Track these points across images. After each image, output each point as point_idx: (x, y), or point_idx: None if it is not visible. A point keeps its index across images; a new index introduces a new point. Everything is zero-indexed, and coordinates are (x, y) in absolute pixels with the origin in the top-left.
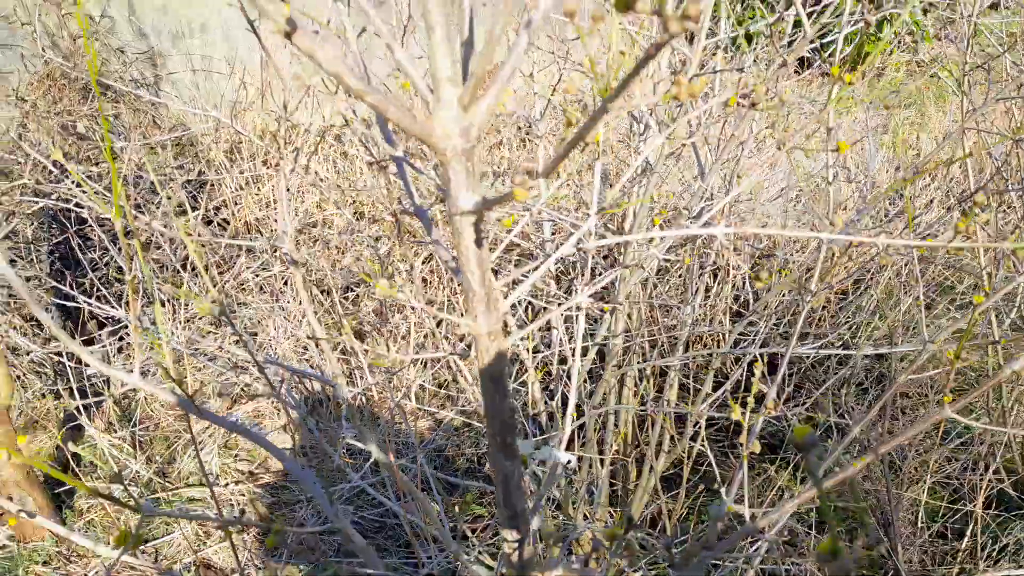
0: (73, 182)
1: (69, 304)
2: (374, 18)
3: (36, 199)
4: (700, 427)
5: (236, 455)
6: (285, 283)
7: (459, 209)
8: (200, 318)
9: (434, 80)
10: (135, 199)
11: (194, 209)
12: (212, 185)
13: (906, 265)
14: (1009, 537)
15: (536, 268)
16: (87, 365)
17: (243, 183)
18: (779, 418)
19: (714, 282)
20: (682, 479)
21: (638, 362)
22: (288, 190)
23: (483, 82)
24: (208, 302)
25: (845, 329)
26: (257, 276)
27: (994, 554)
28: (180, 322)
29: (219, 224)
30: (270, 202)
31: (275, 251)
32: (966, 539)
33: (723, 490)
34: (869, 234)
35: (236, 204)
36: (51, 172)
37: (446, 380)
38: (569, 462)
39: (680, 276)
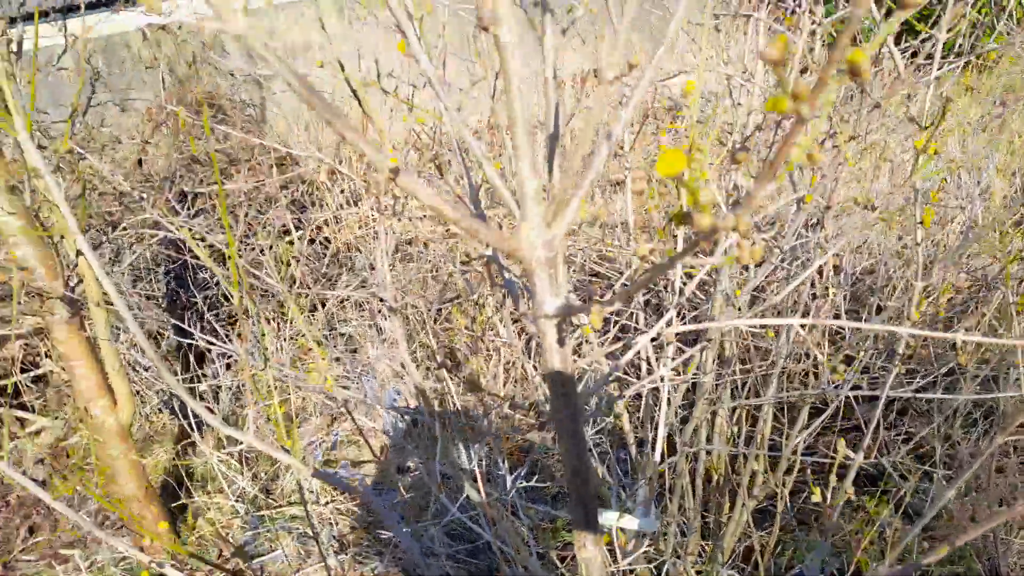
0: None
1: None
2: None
3: (157, 230)
4: (795, 461)
5: (336, 472)
6: (382, 300)
7: (543, 312)
8: (302, 335)
9: (520, 197)
10: (245, 223)
11: (297, 228)
12: (315, 205)
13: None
14: None
15: (627, 349)
16: (200, 381)
17: (343, 202)
18: (880, 448)
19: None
20: (776, 513)
21: (730, 399)
22: (387, 240)
23: (565, 203)
24: (310, 325)
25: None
26: (357, 292)
27: None
28: (284, 339)
29: (321, 243)
30: (369, 220)
31: (373, 268)
32: None
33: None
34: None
35: (337, 222)
36: (169, 201)
37: (535, 401)
38: (649, 531)
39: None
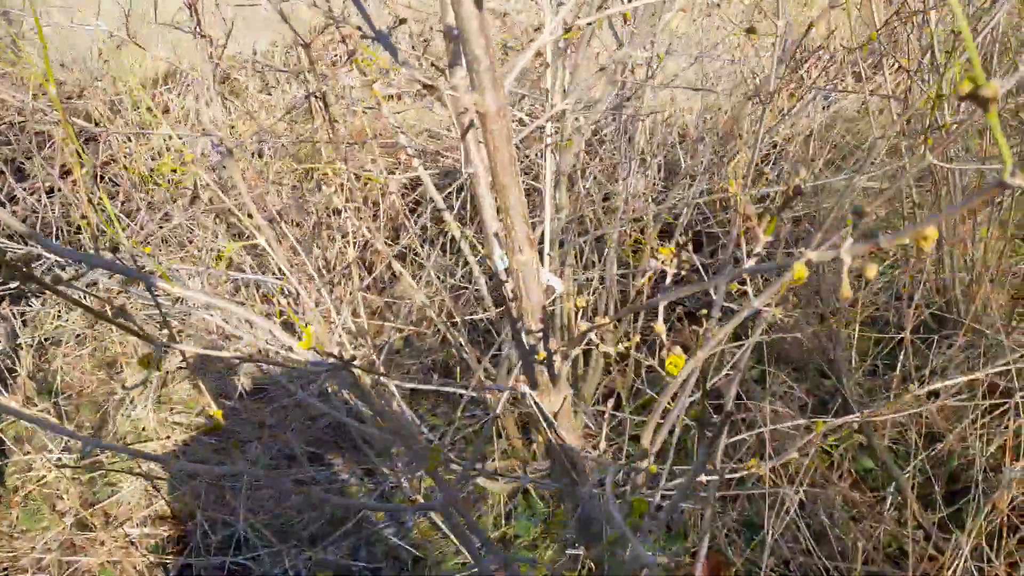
0: None
1: None
2: None
3: None
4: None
5: (172, 408)
6: (191, 232)
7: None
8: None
9: None
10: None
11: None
12: (97, 140)
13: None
14: (935, 359)
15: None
16: None
17: (129, 136)
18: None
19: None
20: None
21: (575, 236)
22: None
23: None
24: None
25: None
26: (161, 228)
27: (925, 375)
28: None
29: (111, 181)
30: (163, 152)
31: (175, 200)
32: (899, 366)
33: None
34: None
35: (127, 157)
36: None
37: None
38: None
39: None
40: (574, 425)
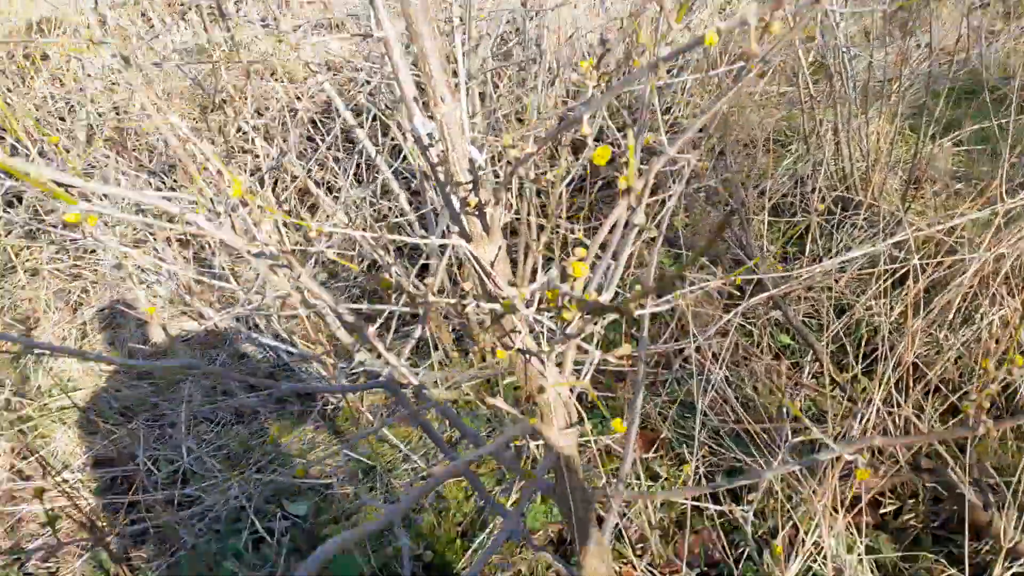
0: None
1: None
2: None
3: None
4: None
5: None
6: (90, 177)
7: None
8: None
9: None
10: None
11: None
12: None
13: None
14: (841, 236)
15: None
16: None
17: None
18: None
19: None
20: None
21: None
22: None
23: None
24: None
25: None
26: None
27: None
28: None
29: None
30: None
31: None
32: (808, 243)
33: None
34: None
35: (9, 106)
36: None
37: None
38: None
39: None
40: (507, 272)
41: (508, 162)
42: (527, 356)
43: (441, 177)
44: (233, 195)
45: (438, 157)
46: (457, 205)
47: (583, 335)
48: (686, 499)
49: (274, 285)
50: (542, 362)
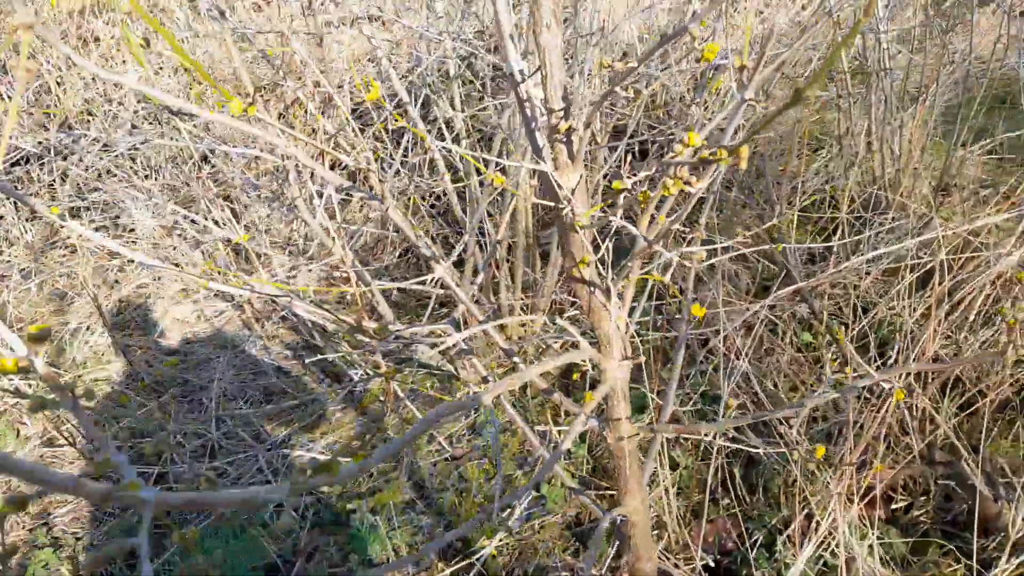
0: None
1: None
2: None
3: None
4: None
5: (129, 333)
6: (133, 160)
7: None
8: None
9: None
10: None
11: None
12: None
13: None
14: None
15: None
16: None
17: (62, 65)
18: None
19: None
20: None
21: None
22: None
23: None
24: None
25: None
26: (102, 160)
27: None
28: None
29: (45, 114)
30: (95, 78)
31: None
32: (836, 238)
33: None
34: None
35: (60, 86)
36: None
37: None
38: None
39: None
40: (586, 201)
41: (604, 80)
42: (591, 288)
43: (528, 112)
44: (233, 110)
45: (526, 93)
46: (541, 141)
47: (639, 273)
48: (727, 432)
49: (327, 249)
50: (606, 294)
